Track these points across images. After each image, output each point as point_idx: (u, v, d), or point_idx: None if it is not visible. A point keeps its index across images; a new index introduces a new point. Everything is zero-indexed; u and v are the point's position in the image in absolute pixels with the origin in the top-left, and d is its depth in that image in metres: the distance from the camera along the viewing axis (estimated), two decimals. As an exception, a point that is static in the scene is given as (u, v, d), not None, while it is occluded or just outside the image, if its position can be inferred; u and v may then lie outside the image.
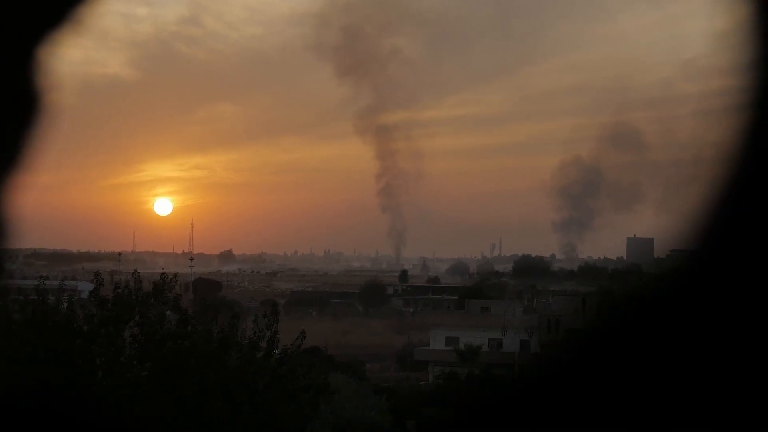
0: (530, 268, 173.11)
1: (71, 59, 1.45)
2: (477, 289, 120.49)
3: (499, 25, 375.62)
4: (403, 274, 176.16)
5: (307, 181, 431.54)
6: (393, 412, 47.03)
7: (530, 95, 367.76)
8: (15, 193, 1.48)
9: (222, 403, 21.67)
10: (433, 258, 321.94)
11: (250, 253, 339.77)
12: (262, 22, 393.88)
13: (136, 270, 25.14)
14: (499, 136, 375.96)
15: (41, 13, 1.40)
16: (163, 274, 24.71)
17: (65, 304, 23.36)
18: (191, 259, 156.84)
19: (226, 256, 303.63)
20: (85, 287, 29.33)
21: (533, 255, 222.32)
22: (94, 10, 1.50)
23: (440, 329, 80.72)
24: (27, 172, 1.48)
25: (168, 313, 23.62)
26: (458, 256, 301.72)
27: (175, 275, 25.25)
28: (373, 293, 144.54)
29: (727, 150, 1.74)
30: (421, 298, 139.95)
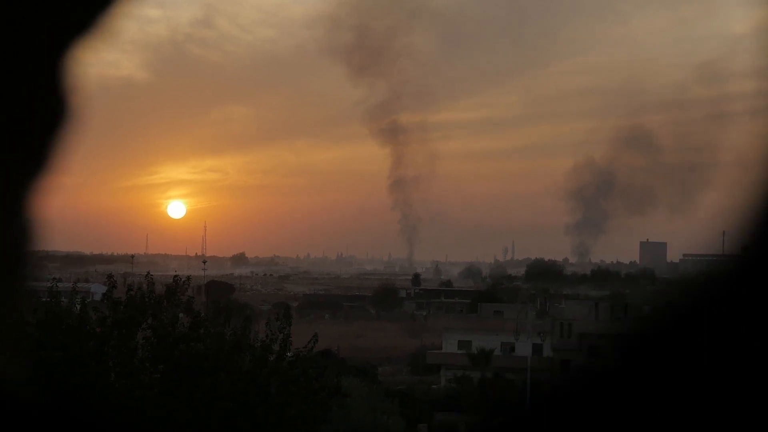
0: (543, 272, 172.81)
1: (85, 61, 1.45)
2: (490, 292, 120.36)
3: (512, 27, 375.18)
4: (416, 278, 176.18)
5: (320, 184, 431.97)
6: (405, 415, 47.00)
7: (543, 97, 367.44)
8: (41, 195, 1.48)
9: (234, 406, 21.68)
10: (446, 261, 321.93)
11: (262, 256, 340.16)
12: (276, 24, 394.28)
13: (149, 272, 25.17)
14: (511, 138, 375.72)
15: (69, 17, 1.40)
16: (175, 276, 24.76)
17: (78, 306, 23.41)
18: (204, 262, 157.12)
19: (239, 258, 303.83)
20: (98, 289, 29.45)
21: (546, 259, 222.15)
22: (123, 15, 1.50)
23: (453, 333, 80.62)
24: (53, 174, 1.49)
25: (180, 315, 23.66)
26: (471, 260, 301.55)
27: (188, 278, 25.31)
28: (386, 296, 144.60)
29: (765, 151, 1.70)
30: (433, 301, 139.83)
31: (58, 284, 23.78)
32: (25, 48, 1.41)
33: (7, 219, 1.46)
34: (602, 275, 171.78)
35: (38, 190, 1.46)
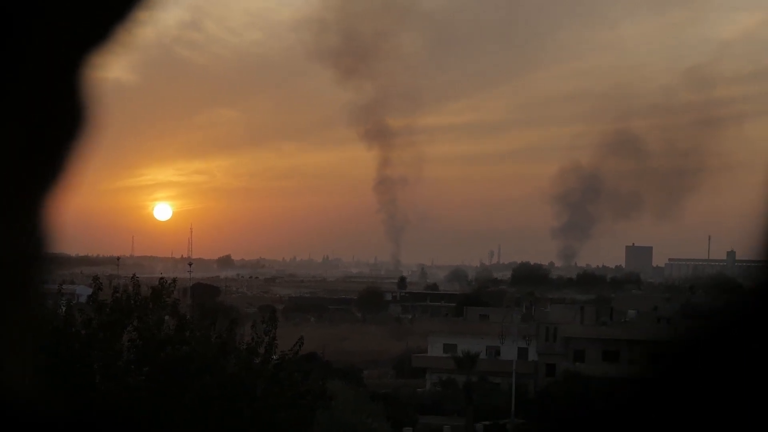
0: (529, 276, 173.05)
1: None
2: (475, 296, 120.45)
3: (501, 32, 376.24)
4: (402, 281, 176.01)
5: (307, 187, 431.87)
6: (390, 418, 47.01)
7: (530, 102, 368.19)
8: (57, 201, 1.51)
9: (220, 408, 21.66)
10: (432, 265, 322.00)
11: (248, 259, 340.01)
12: (263, 27, 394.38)
13: (134, 275, 25.12)
14: (498, 143, 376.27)
15: (86, 29, 1.42)
16: (161, 279, 24.72)
17: (63, 308, 23.36)
18: (190, 264, 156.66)
19: (225, 261, 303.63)
20: (84, 291, 29.34)
21: (532, 263, 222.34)
22: (137, 28, 1.53)
23: (438, 336, 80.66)
24: (67, 181, 1.51)
25: (166, 318, 23.63)
26: (457, 264, 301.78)
27: (174, 280, 25.25)
28: (371, 300, 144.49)
29: None
30: (419, 305, 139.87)
31: (43, 286, 23.70)
32: (44, 56, 1.43)
33: (21, 225, 1.48)
34: (588, 279, 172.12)
35: (54, 195, 1.48)
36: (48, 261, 1.57)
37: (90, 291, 24.43)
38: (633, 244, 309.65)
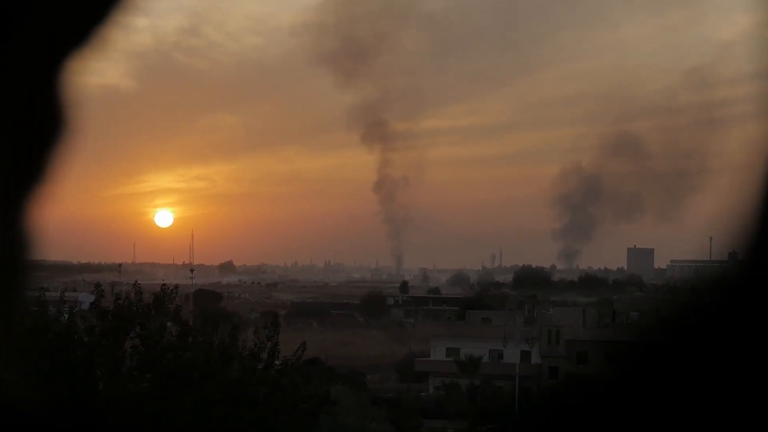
0: (531, 279, 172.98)
1: (79, 72, 1.47)
2: (477, 299, 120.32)
3: (501, 34, 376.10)
4: (404, 285, 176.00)
5: (308, 192, 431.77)
6: (393, 423, 47.00)
7: (531, 104, 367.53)
8: (39, 205, 1.51)
9: (223, 414, 21.65)
10: (434, 269, 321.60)
11: (250, 264, 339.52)
12: (263, 32, 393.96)
13: (136, 281, 25.16)
14: (499, 145, 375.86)
15: (66, 31, 1.42)
16: (163, 285, 24.74)
17: (66, 316, 23.37)
18: (192, 271, 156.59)
19: (227, 267, 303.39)
20: (86, 298, 29.37)
21: (534, 265, 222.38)
22: (119, 28, 1.53)
23: (441, 340, 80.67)
24: (50, 185, 1.51)
25: (168, 324, 23.64)
26: (459, 267, 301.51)
27: (176, 287, 25.28)
28: (374, 304, 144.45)
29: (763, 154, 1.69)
30: (421, 308, 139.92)
31: (45, 293, 23.75)
32: (23, 60, 1.43)
33: (4, 229, 1.48)
34: (590, 282, 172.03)
35: (35, 200, 1.48)
36: (30, 267, 1.57)
37: (92, 298, 24.45)
38: (634, 246, 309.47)
